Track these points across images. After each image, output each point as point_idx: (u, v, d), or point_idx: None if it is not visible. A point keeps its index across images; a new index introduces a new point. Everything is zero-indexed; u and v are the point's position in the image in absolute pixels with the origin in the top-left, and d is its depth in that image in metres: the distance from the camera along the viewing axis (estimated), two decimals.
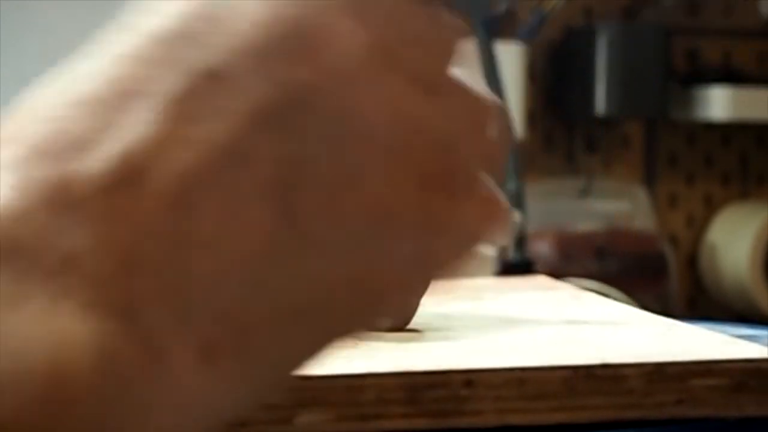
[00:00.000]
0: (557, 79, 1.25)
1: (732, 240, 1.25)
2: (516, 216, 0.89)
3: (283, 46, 0.19)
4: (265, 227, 0.19)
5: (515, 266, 0.85)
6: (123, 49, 0.20)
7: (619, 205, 1.26)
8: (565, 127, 1.27)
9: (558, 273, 0.98)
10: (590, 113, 1.21)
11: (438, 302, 0.43)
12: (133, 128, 0.19)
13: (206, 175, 0.19)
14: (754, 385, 0.30)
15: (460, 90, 0.22)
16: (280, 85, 0.19)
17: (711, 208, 1.30)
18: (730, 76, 1.23)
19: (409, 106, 0.20)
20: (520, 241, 0.87)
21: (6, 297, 0.17)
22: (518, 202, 0.88)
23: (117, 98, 0.19)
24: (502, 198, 0.22)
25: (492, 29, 0.93)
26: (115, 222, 0.18)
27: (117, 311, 0.18)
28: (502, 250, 0.83)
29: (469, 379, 0.28)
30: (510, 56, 1.13)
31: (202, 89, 0.19)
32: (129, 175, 0.18)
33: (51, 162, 0.19)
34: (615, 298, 0.78)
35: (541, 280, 0.52)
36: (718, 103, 1.20)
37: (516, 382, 0.28)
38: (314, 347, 0.21)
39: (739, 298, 1.25)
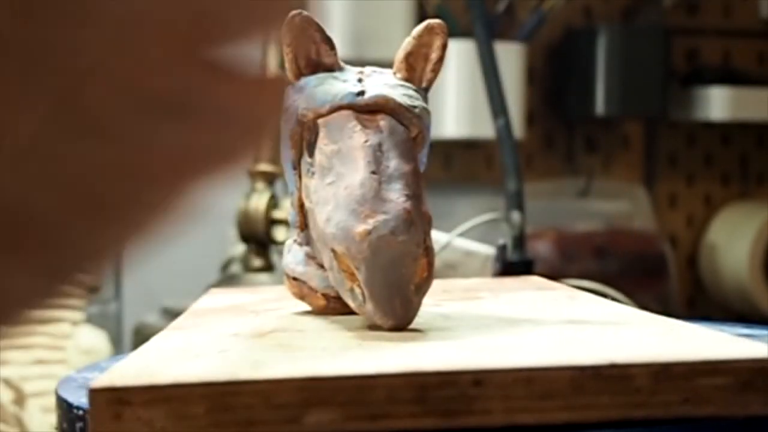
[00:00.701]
0: (557, 79, 1.25)
1: (732, 240, 1.26)
2: (516, 216, 0.89)
3: None
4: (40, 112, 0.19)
5: (515, 266, 0.85)
6: None
7: (618, 205, 1.26)
8: (564, 127, 1.27)
9: (558, 273, 0.98)
10: (590, 113, 1.21)
11: (436, 302, 0.43)
12: None
13: None
14: (760, 384, 0.30)
15: None
16: None
17: (711, 208, 1.30)
18: (730, 76, 1.24)
19: None
20: (520, 241, 0.88)
21: None
22: (518, 202, 0.88)
23: None
24: (267, 77, 0.22)
25: (492, 29, 0.93)
26: None
27: None
28: (502, 250, 0.83)
29: (478, 378, 0.28)
30: (510, 56, 1.13)
31: None
32: None
33: None
34: (614, 299, 0.78)
35: (536, 281, 0.52)
36: (718, 103, 1.21)
37: (524, 381, 0.28)
38: (105, 228, 0.20)
39: (738, 298, 1.25)
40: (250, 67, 0.21)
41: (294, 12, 0.34)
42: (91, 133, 0.19)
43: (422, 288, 0.38)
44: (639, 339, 0.34)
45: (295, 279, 0.42)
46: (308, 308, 0.43)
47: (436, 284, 0.53)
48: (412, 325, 0.37)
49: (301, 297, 0.42)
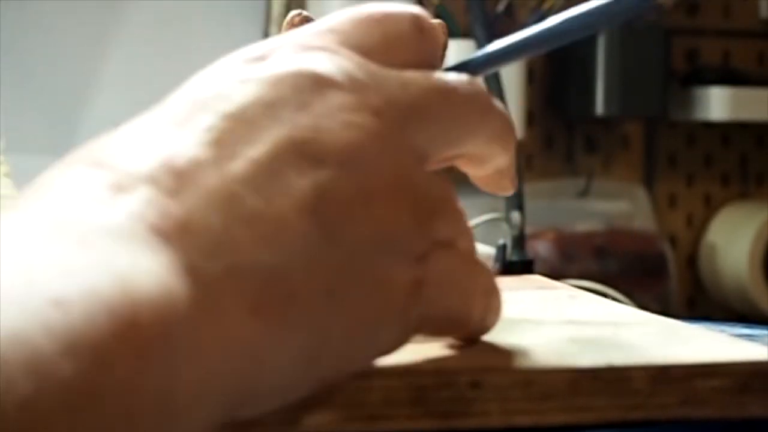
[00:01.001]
0: (557, 79, 1.25)
1: (732, 240, 1.26)
2: (516, 216, 0.89)
3: (291, 98, 0.26)
4: (295, 218, 0.25)
5: (515, 266, 0.85)
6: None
7: (618, 205, 1.26)
8: (564, 127, 1.27)
9: (558, 273, 0.98)
10: (590, 113, 1.21)
11: None
12: (182, 150, 0.25)
13: (245, 179, 0.25)
14: (758, 386, 0.30)
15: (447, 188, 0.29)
16: (294, 125, 0.26)
17: (711, 208, 1.30)
18: (730, 76, 1.24)
19: (406, 161, 0.27)
20: (520, 241, 0.88)
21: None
22: (518, 202, 0.88)
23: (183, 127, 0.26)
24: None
25: (492, 29, 0.93)
26: (182, 200, 0.24)
27: (180, 261, 0.23)
28: (502, 250, 0.83)
29: (476, 380, 0.28)
30: None
31: (233, 127, 0.25)
32: (189, 173, 0.24)
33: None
34: (614, 298, 0.78)
35: (538, 280, 0.52)
36: (718, 103, 1.21)
37: (522, 383, 0.28)
38: (342, 330, 0.26)
39: (738, 298, 1.25)
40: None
41: (294, 12, 0.35)
42: (336, 243, 0.25)
43: None
44: (637, 340, 0.34)
45: None
46: None
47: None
48: None
49: None
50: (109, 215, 0.23)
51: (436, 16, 0.44)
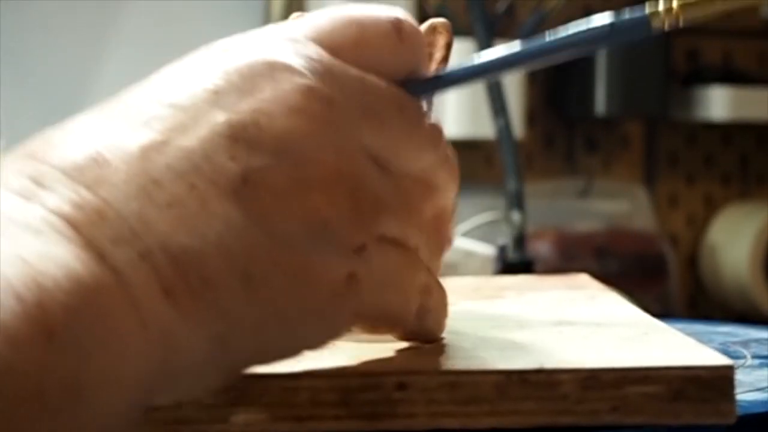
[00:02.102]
0: (557, 79, 1.25)
1: (732, 240, 1.25)
2: (516, 216, 0.89)
3: (240, 85, 0.26)
4: (218, 201, 0.24)
5: (515, 266, 0.85)
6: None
7: (619, 205, 1.26)
8: (565, 127, 1.27)
9: (558, 273, 0.98)
10: (590, 113, 1.21)
11: (451, 301, 0.43)
12: (112, 140, 0.25)
13: (169, 165, 0.24)
14: (692, 393, 0.30)
15: (404, 177, 0.28)
16: (233, 111, 0.25)
17: (711, 208, 1.30)
18: (730, 76, 1.23)
19: (351, 156, 0.26)
20: (520, 241, 0.88)
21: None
22: (518, 202, 0.88)
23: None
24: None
25: (492, 29, 0.93)
26: (99, 190, 0.24)
27: (91, 250, 0.23)
28: (502, 250, 0.83)
29: (402, 381, 0.28)
30: None
31: (172, 115, 0.25)
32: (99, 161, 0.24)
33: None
34: None
35: (580, 280, 0.51)
36: (718, 103, 1.20)
37: (448, 386, 0.29)
38: (256, 319, 0.25)
39: (739, 298, 1.25)
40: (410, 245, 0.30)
41: (295, 14, 0.35)
42: (262, 229, 0.25)
43: None
44: (593, 343, 0.34)
45: None
46: None
47: (468, 282, 0.53)
48: None
49: None
50: (26, 207, 0.23)
51: (437, 16, 0.44)
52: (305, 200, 0.25)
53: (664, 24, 0.30)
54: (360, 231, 0.26)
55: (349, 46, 0.28)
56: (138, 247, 0.23)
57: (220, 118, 0.25)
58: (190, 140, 0.25)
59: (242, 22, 1.12)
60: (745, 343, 0.43)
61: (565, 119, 1.26)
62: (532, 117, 1.24)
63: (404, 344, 0.32)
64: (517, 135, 0.91)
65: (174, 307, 0.24)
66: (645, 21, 0.30)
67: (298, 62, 0.26)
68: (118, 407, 0.23)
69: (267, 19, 1.12)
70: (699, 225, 1.30)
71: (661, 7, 0.30)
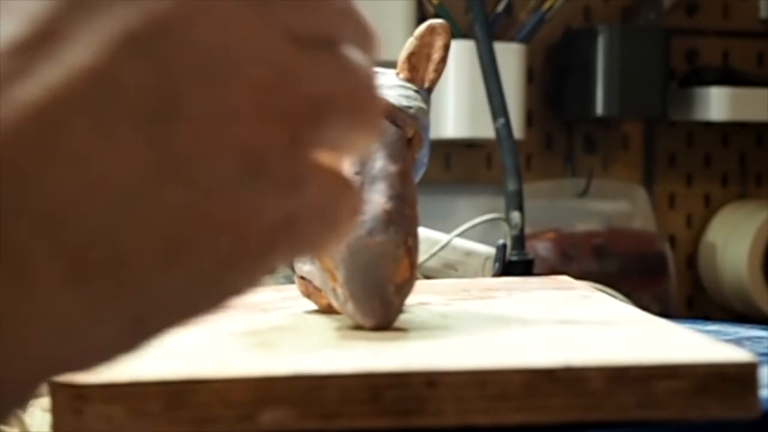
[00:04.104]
0: (556, 79, 1.25)
1: (731, 240, 1.25)
2: (516, 216, 0.89)
3: None
4: (134, 151, 0.19)
5: (515, 266, 0.85)
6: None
7: (618, 205, 1.26)
8: (564, 127, 1.27)
9: (557, 273, 0.98)
10: (589, 114, 1.21)
11: (446, 301, 0.44)
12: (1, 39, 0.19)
13: (74, 93, 0.19)
14: (718, 388, 0.30)
15: (334, 54, 0.22)
16: (146, 11, 0.19)
17: (710, 208, 1.30)
18: (729, 76, 1.23)
19: (280, 55, 0.21)
20: (520, 241, 0.88)
21: None
22: (518, 202, 0.88)
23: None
24: (353, 182, 0.23)
25: (492, 29, 0.93)
26: None
27: None
28: (502, 250, 0.83)
29: (431, 380, 0.28)
30: (509, 57, 1.13)
31: (72, 11, 0.19)
32: None
33: None
34: (614, 298, 0.77)
35: (562, 280, 0.52)
36: (717, 103, 1.20)
37: (477, 383, 0.29)
38: (182, 285, 0.21)
39: (738, 298, 1.25)
40: (343, 167, 0.23)
41: None
42: (184, 180, 0.20)
43: (404, 288, 0.38)
44: (611, 340, 0.34)
45: (302, 278, 0.42)
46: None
47: (456, 283, 0.53)
48: (398, 324, 0.37)
49: (308, 295, 0.43)
50: None
51: (436, 16, 0.44)
52: (233, 135, 0.20)
53: None
54: (297, 161, 0.21)
55: None
56: (33, 216, 0.19)
57: (119, 21, 0.19)
58: (84, 54, 0.19)
59: None
60: (739, 342, 0.44)
61: (564, 119, 1.26)
62: (531, 117, 1.24)
63: (428, 340, 0.32)
64: (516, 135, 0.91)
65: (80, 291, 0.19)
66: None
67: None
68: (22, 391, 0.20)
69: None
70: (698, 225, 1.30)
71: None
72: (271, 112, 0.20)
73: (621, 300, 0.82)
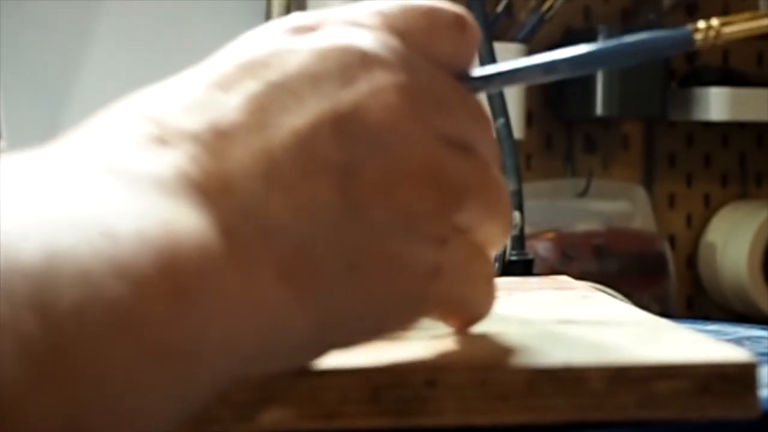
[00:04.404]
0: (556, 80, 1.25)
1: (731, 240, 1.25)
2: (515, 216, 0.89)
3: (337, 74, 0.27)
4: (329, 192, 0.26)
5: (515, 266, 0.85)
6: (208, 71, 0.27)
7: (618, 206, 1.26)
8: (564, 127, 1.27)
9: (557, 273, 0.98)
10: (589, 114, 1.21)
11: None
12: (227, 113, 0.26)
13: (284, 148, 0.26)
14: (718, 388, 0.30)
15: (473, 155, 0.29)
16: (336, 100, 0.26)
17: (710, 208, 1.30)
18: (729, 76, 1.23)
19: (432, 141, 0.28)
20: (520, 241, 0.88)
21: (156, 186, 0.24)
22: (517, 202, 0.88)
23: (212, 95, 0.27)
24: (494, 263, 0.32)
25: (492, 29, 0.93)
26: (224, 161, 0.25)
27: (218, 220, 0.24)
28: (502, 250, 0.83)
29: (431, 379, 0.28)
30: (510, 56, 1.13)
31: (278, 95, 0.26)
32: (227, 138, 0.25)
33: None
34: (613, 298, 0.77)
35: (561, 280, 0.52)
36: (717, 103, 1.20)
37: (478, 382, 0.29)
38: (358, 304, 0.27)
39: (738, 298, 1.25)
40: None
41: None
42: (360, 219, 0.27)
43: None
44: (618, 341, 0.34)
45: None
46: None
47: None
48: None
49: None
50: (155, 166, 0.24)
51: None
52: (396, 195, 0.27)
53: (705, 40, 0.32)
54: (443, 224, 0.28)
55: (420, 37, 0.29)
56: (260, 225, 0.24)
57: (323, 105, 0.26)
58: (300, 124, 0.26)
59: (242, 22, 1.11)
60: (738, 341, 0.44)
61: (564, 119, 1.26)
62: (531, 117, 1.24)
63: (429, 341, 0.32)
64: (516, 135, 0.91)
65: (285, 289, 0.25)
66: (688, 37, 0.32)
67: (387, 54, 0.28)
68: (224, 377, 0.24)
69: (267, 20, 1.11)
70: (698, 225, 1.30)
71: (702, 24, 0.32)
72: (425, 181, 0.27)
73: (621, 300, 0.82)
